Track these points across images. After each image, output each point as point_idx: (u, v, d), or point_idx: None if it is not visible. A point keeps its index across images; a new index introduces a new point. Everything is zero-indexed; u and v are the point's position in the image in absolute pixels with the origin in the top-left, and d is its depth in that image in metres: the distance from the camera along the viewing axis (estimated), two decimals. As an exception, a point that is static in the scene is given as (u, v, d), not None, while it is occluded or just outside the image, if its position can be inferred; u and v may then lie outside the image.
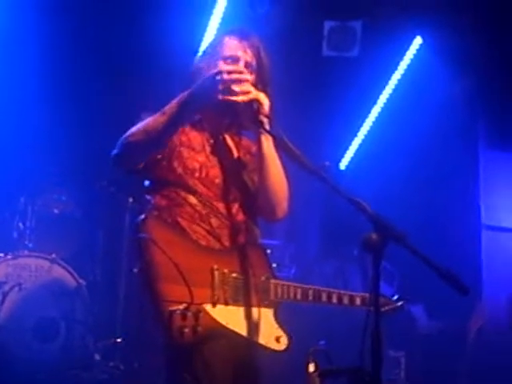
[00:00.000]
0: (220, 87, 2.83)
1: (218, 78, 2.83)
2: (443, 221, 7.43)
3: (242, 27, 3.31)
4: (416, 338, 7.05)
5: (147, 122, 2.93)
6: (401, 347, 6.66)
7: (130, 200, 6.53)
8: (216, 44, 3.23)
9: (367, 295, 3.28)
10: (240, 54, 3.13)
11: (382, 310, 3.19)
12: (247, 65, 3.12)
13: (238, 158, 3.23)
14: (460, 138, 7.64)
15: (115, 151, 2.99)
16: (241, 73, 2.91)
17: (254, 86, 3.02)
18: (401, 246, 2.43)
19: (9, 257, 6.00)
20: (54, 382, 5.72)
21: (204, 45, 6.68)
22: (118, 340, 6.30)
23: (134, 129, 2.96)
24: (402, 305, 3.49)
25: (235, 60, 3.11)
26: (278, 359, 3.00)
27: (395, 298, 3.45)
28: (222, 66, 2.94)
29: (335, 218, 7.99)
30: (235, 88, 2.87)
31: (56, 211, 6.58)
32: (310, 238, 8.40)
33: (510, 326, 6.59)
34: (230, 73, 2.86)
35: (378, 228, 2.44)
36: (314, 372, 2.63)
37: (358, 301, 3.32)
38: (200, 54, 3.28)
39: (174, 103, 2.91)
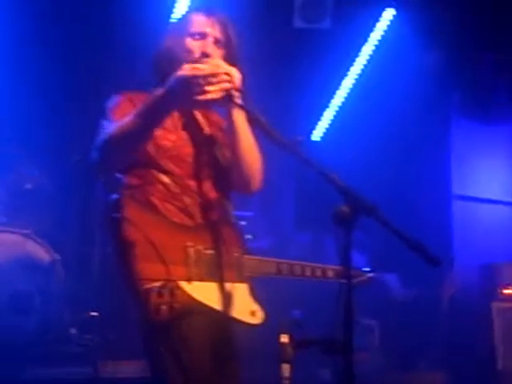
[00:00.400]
0: (196, 90, 2.79)
1: (193, 81, 2.79)
2: (415, 191, 7.50)
3: (209, 4, 3.30)
4: (390, 307, 7.13)
5: (123, 125, 2.87)
6: (375, 316, 6.74)
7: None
8: (183, 21, 3.21)
9: (339, 268, 3.29)
10: (208, 30, 3.12)
11: (354, 281, 3.22)
12: (216, 40, 3.12)
13: (209, 134, 3.23)
14: (433, 109, 7.69)
15: (96, 157, 2.93)
16: (215, 71, 2.85)
17: (225, 60, 3.02)
18: (372, 218, 2.46)
19: (-19, 232, 5.98)
20: (30, 356, 5.72)
21: (176, 13, 6.72)
22: (94, 313, 6.32)
23: (109, 134, 2.90)
24: (372, 276, 3.53)
25: (203, 36, 3.11)
26: (254, 332, 3.04)
27: (366, 269, 3.49)
28: (194, 71, 2.81)
29: (309, 190, 8.02)
30: (211, 88, 2.85)
31: (29, 186, 6.54)
32: (285, 210, 8.43)
33: (481, 294, 6.67)
34: (205, 76, 2.81)
35: (348, 200, 2.47)
36: (287, 342, 2.66)
37: (330, 273, 3.37)
38: (166, 31, 3.25)
39: (147, 104, 2.85)
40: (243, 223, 7.11)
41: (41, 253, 6.11)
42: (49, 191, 6.63)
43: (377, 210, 2.47)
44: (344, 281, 2.36)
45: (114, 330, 6.35)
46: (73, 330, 6.18)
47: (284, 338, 2.67)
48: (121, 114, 2.98)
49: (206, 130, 3.23)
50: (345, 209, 2.45)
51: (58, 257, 6.15)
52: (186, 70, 2.81)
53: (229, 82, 2.86)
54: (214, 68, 2.86)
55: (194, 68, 2.81)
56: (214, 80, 2.81)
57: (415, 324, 6.78)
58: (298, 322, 2.84)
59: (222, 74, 2.85)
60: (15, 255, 5.98)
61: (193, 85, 2.78)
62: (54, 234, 6.54)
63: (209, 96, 2.82)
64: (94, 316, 6.26)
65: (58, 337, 5.94)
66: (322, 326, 2.72)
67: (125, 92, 3.17)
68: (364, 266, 5.28)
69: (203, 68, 2.83)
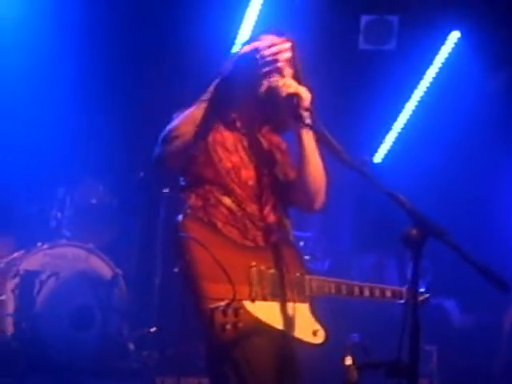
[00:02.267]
0: (259, 62, 2.87)
1: (255, 54, 2.87)
2: (478, 216, 7.40)
3: (277, 26, 3.32)
4: (449, 333, 7.04)
5: (189, 112, 2.94)
6: (433, 342, 6.65)
7: (166, 190, 6.59)
8: (251, 42, 3.20)
9: (397, 288, 3.38)
10: None
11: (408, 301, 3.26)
12: (286, 59, 3.12)
13: (270, 155, 3.24)
14: (495, 133, 7.60)
15: (159, 150, 2.96)
16: (274, 42, 2.91)
17: (293, 79, 3.05)
18: (441, 242, 2.44)
19: (46, 246, 6.06)
20: (89, 371, 5.78)
21: (240, 39, 6.77)
22: (153, 329, 6.37)
23: (175, 123, 2.95)
24: (428, 297, 3.51)
25: None
26: (316, 353, 3.03)
27: (422, 290, 3.46)
28: (254, 44, 2.92)
29: (368, 211, 7.99)
30: (279, 82, 2.90)
31: (93, 201, 6.64)
32: (343, 231, 8.40)
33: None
34: (269, 47, 2.88)
35: (417, 223, 2.44)
36: (352, 365, 2.64)
37: (388, 294, 3.37)
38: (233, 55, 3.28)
39: (211, 88, 2.94)
40: (302, 243, 7.10)
41: (103, 268, 6.19)
42: (113, 207, 6.72)
43: (446, 233, 2.45)
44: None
45: (173, 346, 6.39)
46: (131, 345, 6.23)
47: (349, 361, 2.65)
48: None
49: (267, 150, 3.24)
50: (414, 231, 2.43)
51: (119, 272, 6.22)
52: (246, 47, 2.93)
53: (288, 50, 2.93)
54: (273, 39, 2.92)
55: (253, 44, 2.91)
56: (274, 50, 2.88)
57: (475, 351, 6.67)
58: (362, 346, 2.82)
59: (280, 43, 2.92)
60: (78, 269, 6.07)
61: (255, 58, 2.86)
62: (116, 250, 6.63)
63: (273, 66, 2.89)
64: (152, 332, 6.32)
65: (117, 352, 5.98)
66: (381, 349, 2.69)
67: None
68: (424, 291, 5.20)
69: (262, 41, 2.91)
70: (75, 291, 5.96)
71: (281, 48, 2.90)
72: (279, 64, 2.93)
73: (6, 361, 5.55)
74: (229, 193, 3.02)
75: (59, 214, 6.37)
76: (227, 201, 3.02)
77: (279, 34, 3.21)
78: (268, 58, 2.87)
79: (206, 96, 2.94)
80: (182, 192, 3.10)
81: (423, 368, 6.47)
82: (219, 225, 2.96)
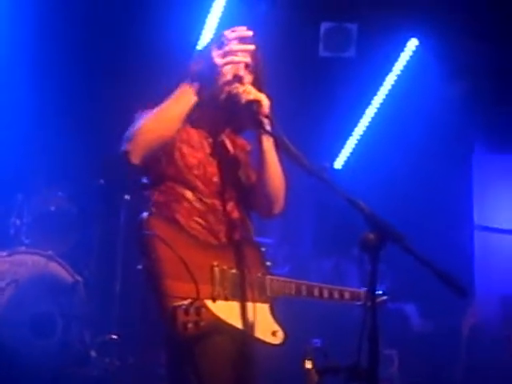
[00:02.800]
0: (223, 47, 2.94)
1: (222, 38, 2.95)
2: (436, 221, 7.47)
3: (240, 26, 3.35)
4: (409, 337, 7.10)
5: (157, 112, 2.98)
6: (394, 346, 6.70)
7: (126, 197, 6.57)
8: (212, 45, 3.24)
9: (356, 290, 3.49)
10: (240, 54, 3.16)
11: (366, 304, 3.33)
12: (246, 65, 3.16)
13: (234, 155, 3.29)
14: (454, 140, 7.69)
15: (127, 147, 2.98)
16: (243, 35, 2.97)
17: (253, 86, 3.08)
18: (398, 247, 2.47)
19: (5, 253, 6.00)
20: (51, 378, 5.74)
21: (202, 42, 6.78)
22: (114, 336, 6.33)
23: (143, 122, 2.98)
24: (385, 299, 3.57)
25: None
26: (275, 354, 3.07)
27: (380, 292, 3.50)
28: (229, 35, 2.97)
29: (329, 217, 8.03)
30: (239, 89, 2.94)
31: (52, 208, 6.57)
32: (304, 237, 8.42)
33: (503, 325, 6.63)
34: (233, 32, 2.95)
35: (375, 228, 2.48)
36: (312, 369, 2.67)
37: (347, 295, 3.46)
38: (196, 53, 3.32)
39: (181, 88, 2.99)
40: (263, 249, 7.11)
41: (63, 274, 6.14)
42: (72, 213, 6.67)
43: (404, 238, 2.48)
44: (369, 305, 2.40)
45: (134, 353, 6.37)
46: (93, 353, 6.19)
47: (309, 364, 2.68)
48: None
49: (231, 151, 3.29)
50: (372, 236, 2.46)
51: (80, 279, 6.18)
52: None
53: (250, 51, 3.00)
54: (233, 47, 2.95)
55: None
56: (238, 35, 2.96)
57: (434, 354, 6.74)
58: (323, 350, 2.85)
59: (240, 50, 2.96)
60: (38, 276, 6.01)
61: (220, 42, 2.94)
62: (76, 256, 6.57)
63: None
64: (114, 339, 6.28)
65: (79, 359, 5.94)
66: (342, 354, 2.72)
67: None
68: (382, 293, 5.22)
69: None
70: (35, 298, 5.89)
71: (244, 38, 2.96)
72: (237, 57, 2.97)
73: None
74: (192, 188, 3.07)
75: (18, 221, 6.31)
76: (190, 195, 3.07)
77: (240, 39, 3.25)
78: (231, 44, 2.91)
79: (177, 95, 2.98)
80: (145, 190, 3.14)
81: (383, 372, 6.53)
82: (182, 220, 3.01)
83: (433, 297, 5.86)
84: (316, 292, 3.33)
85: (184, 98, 2.98)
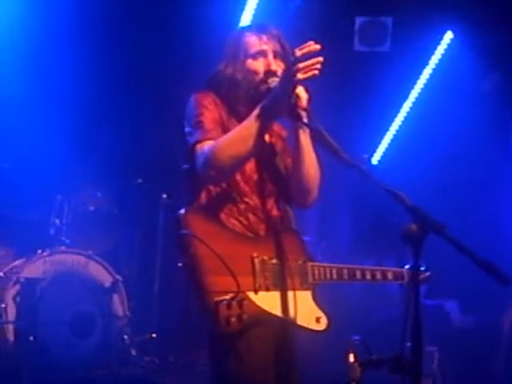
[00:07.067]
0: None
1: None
2: (477, 213, 7.41)
3: (258, 22, 3.31)
4: (450, 333, 7.03)
5: (235, 132, 2.94)
6: (434, 342, 6.65)
7: (164, 197, 6.61)
8: (236, 44, 3.23)
9: (398, 270, 3.48)
10: (265, 47, 3.16)
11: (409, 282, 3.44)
12: (275, 54, 3.16)
13: (271, 143, 3.30)
14: (491, 132, 7.62)
15: (209, 171, 2.95)
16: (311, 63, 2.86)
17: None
18: (441, 237, 2.44)
19: (46, 253, 6.06)
20: (91, 377, 5.78)
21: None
22: (154, 335, 6.37)
23: (221, 143, 2.94)
24: (428, 276, 3.56)
25: (263, 53, 3.15)
26: (317, 343, 3.07)
27: (422, 268, 3.48)
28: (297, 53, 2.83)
29: (366, 214, 8.00)
30: (277, 82, 2.95)
31: (92, 208, 6.65)
32: (342, 234, 8.41)
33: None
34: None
35: (417, 219, 2.45)
36: (355, 362, 2.65)
37: (390, 275, 3.47)
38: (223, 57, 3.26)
39: (253, 115, 2.91)
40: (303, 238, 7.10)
41: (103, 274, 6.19)
42: (111, 213, 6.73)
43: (445, 228, 2.45)
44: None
45: (174, 352, 6.39)
46: (133, 351, 6.24)
47: (352, 358, 2.66)
48: (211, 119, 3.07)
49: (268, 139, 3.29)
50: (414, 227, 2.43)
51: (120, 278, 6.22)
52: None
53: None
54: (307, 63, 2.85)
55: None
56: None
57: (476, 350, 6.68)
58: (364, 343, 2.83)
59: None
60: (78, 276, 6.06)
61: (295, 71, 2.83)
62: (116, 256, 6.64)
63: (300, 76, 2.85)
64: (153, 337, 6.32)
65: (119, 358, 5.97)
66: (384, 350, 2.70)
67: (202, 94, 3.19)
68: (425, 294, 5.25)
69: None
70: (76, 298, 5.93)
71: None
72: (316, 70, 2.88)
73: (7, 368, 5.55)
74: (232, 186, 3.09)
75: (58, 222, 6.37)
76: (231, 194, 3.09)
77: (260, 28, 3.25)
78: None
79: (250, 120, 2.92)
80: (190, 186, 3.15)
81: (425, 369, 6.46)
82: (222, 217, 3.03)
83: (473, 292, 5.81)
84: (358, 274, 3.33)
85: (262, 118, 2.91)
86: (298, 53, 2.80)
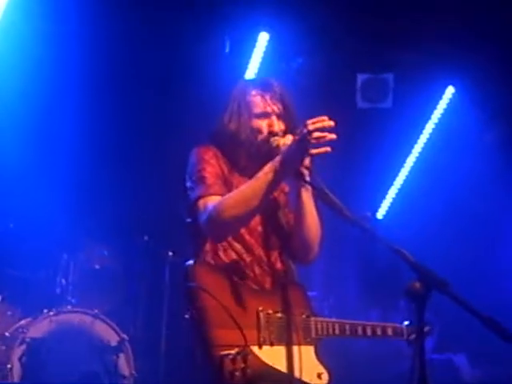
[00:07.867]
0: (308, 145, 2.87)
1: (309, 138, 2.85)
2: (479, 268, 7.40)
3: (261, 78, 3.36)
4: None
5: (240, 192, 2.98)
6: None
7: (170, 254, 6.60)
8: (241, 101, 3.29)
9: (398, 325, 3.52)
10: (269, 109, 3.24)
11: (411, 338, 3.48)
12: (278, 116, 3.24)
13: (274, 197, 3.33)
14: (495, 185, 7.64)
15: (206, 227, 3.00)
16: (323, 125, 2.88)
17: (287, 130, 3.16)
18: (444, 294, 2.45)
19: (52, 313, 6.03)
20: None
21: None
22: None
23: (225, 202, 2.98)
24: (428, 330, 3.55)
25: (267, 115, 3.22)
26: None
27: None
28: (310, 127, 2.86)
29: (372, 268, 7.99)
30: (279, 141, 3.04)
31: (97, 266, 6.65)
32: (348, 289, 8.39)
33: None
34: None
35: (421, 277, 2.46)
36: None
37: (389, 331, 3.49)
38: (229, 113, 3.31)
39: (265, 170, 2.96)
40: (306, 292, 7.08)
41: (109, 333, 6.14)
42: (117, 271, 6.73)
43: (449, 286, 2.46)
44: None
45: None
46: (140, 411, 6.18)
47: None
48: (213, 174, 3.11)
49: (272, 196, 3.30)
50: (417, 285, 2.44)
51: (125, 337, 6.19)
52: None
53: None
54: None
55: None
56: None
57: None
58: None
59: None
60: (84, 336, 6.02)
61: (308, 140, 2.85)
62: (122, 314, 6.60)
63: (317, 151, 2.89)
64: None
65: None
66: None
67: (203, 148, 3.25)
68: (432, 348, 5.23)
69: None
70: (82, 358, 5.90)
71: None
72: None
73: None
74: (238, 238, 3.13)
75: (64, 281, 6.37)
76: (237, 246, 3.13)
77: (264, 86, 3.30)
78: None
79: (260, 177, 2.96)
80: (193, 239, 3.19)
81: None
82: (229, 270, 3.06)
83: (483, 346, 5.77)
84: (359, 330, 3.35)
85: (274, 177, 2.95)
86: (311, 127, 2.83)
